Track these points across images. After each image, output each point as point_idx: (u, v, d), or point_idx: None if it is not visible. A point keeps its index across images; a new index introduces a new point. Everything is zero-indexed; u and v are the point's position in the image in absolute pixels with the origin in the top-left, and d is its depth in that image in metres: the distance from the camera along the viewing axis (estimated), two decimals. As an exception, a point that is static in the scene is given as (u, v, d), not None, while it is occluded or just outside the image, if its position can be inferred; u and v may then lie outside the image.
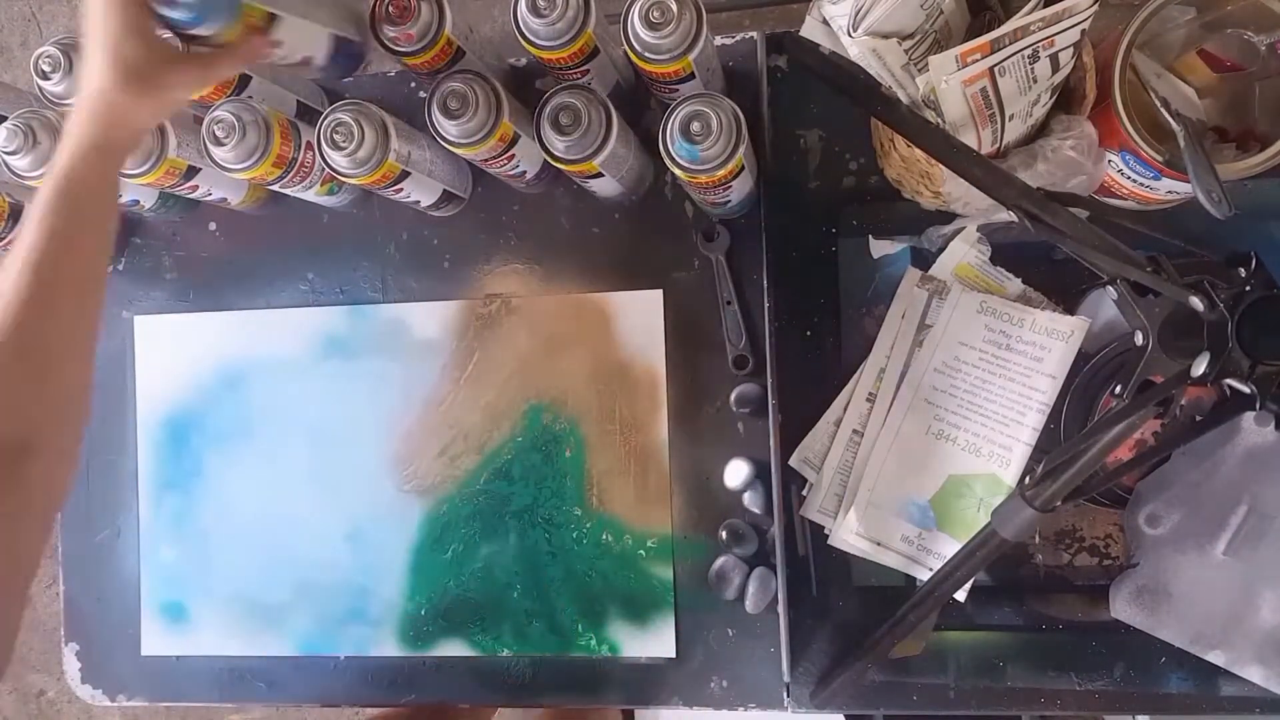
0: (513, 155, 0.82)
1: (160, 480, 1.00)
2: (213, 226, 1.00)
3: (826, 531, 0.86)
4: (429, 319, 0.95)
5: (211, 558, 0.98)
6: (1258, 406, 0.60)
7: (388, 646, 0.95)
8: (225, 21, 0.65)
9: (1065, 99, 0.74)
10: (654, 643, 0.90)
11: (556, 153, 0.76)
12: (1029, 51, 0.65)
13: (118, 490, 1.00)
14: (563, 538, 0.92)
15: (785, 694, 0.85)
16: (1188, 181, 0.68)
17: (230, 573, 0.98)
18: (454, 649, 0.94)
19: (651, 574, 0.90)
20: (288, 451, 0.97)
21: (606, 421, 0.92)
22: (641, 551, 0.91)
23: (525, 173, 0.87)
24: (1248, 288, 0.61)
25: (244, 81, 0.84)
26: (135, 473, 1.00)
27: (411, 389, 0.95)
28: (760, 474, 0.87)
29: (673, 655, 0.90)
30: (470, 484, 0.94)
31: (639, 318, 0.91)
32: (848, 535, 0.84)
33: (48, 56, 0.81)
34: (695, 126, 0.72)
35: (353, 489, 0.96)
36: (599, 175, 0.79)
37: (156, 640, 0.99)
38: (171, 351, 1.00)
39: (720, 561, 0.88)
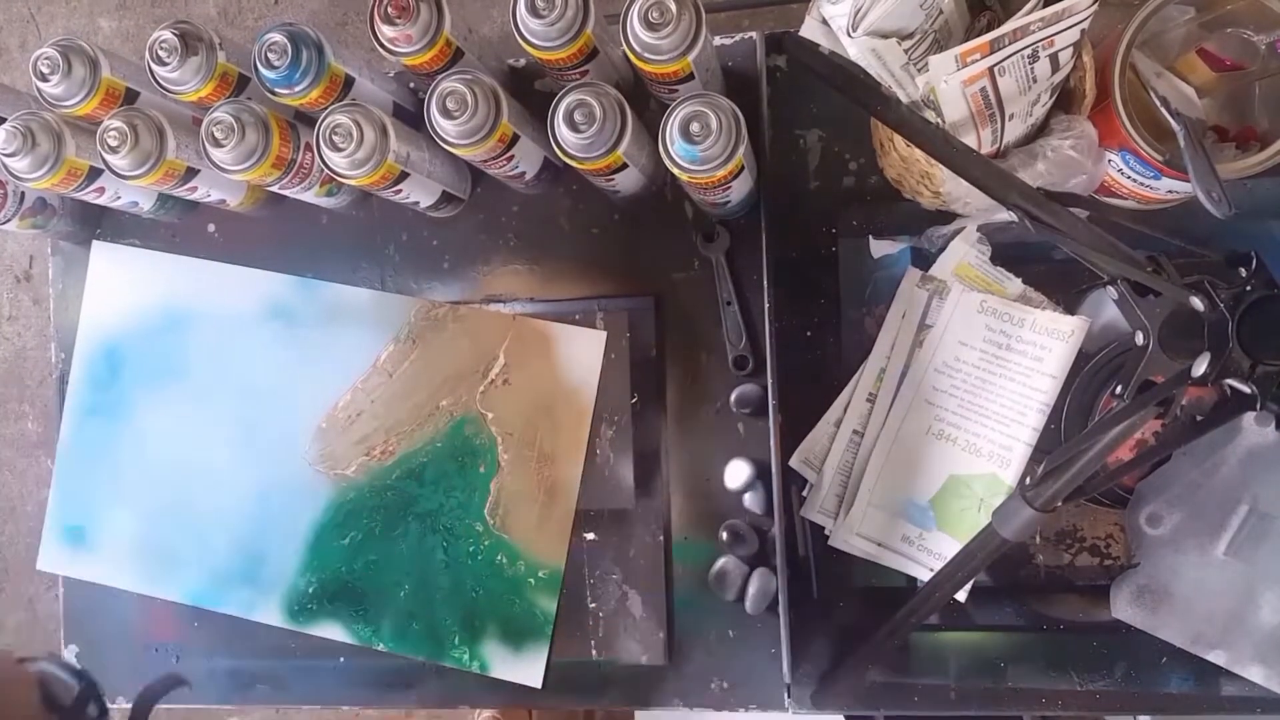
0: (512, 156, 0.82)
1: (88, 404, 1.00)
2: (211, 228, 1.00)
3: (827, 532, 0.86)
4: (377, 308, 0.95)
5: (120, 491, 0.98)
6: (1258, 406, 0.60)
7: (270, 614, 0.95)
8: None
9: (1065, 99, 0.74)
10: (524, 670, 0.90)
11: (572, 150, 0.75)
12: (1029, 51, 0.65)
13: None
14: (459, 549, 0.93)
15: (786, 695, 0.85)
16: (1188, 181, 0.68)
17: (135, 509, 0.98)
18: (332, 631, 0.94)
19: (535, 604, 0.91)
20: (214, 403, 0.98)
21: (525, 447, 0.92)
22: (531, 580, 0.91)
23: (525, 173, 0.87)
24: (1248, 288, 0.61)
25: (243, 83, 0.84)
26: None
27: (346, 372, 0.95)
28: (760, 474, 0.87)
29: (538, 686, 0.90)
30: (382, 477, 0.94)
31: (579, 354, 0.91)
32: (848, 536, 0.84)
33: (46, 58, 0.81)
34: (695, 127, 0.72)
35: (269, 454, 0.96)
36: (623, 168, 0.78)
37: (53, 559, 1.00)
38: (123, 281, 1.00)
39: (720, 562, 0.88)
